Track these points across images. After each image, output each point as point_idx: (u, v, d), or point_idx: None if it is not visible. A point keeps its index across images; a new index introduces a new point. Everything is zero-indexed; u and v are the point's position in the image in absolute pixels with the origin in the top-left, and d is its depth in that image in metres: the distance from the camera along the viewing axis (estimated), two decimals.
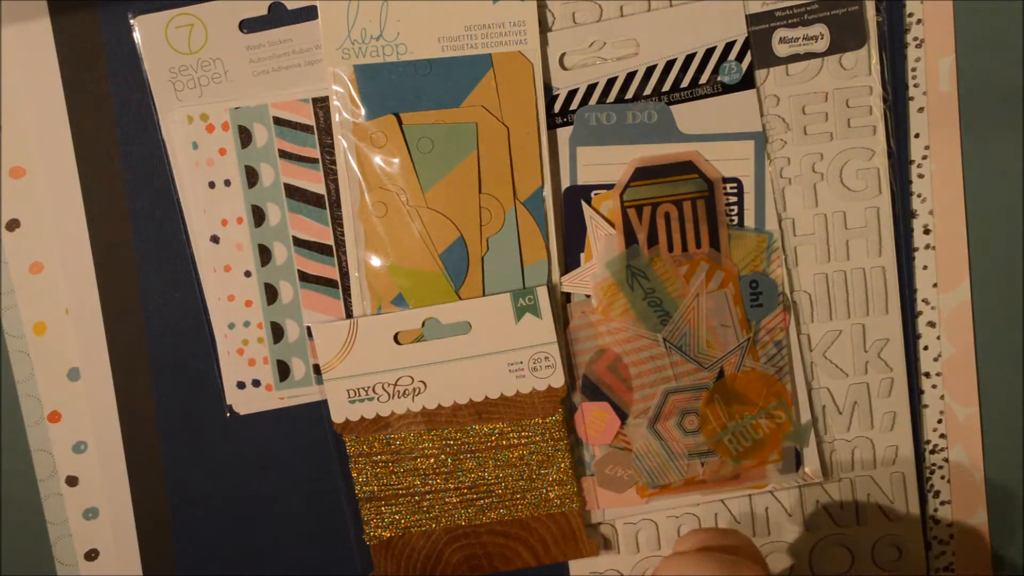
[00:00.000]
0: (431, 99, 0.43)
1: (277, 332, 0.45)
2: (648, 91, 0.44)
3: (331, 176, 0.44)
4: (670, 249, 0.45)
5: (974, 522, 0.48)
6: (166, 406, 0.45)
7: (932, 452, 0.48)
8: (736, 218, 0.45)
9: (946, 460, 0.48)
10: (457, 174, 0.44)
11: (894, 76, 0.45)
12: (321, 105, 0.44)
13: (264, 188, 0.44)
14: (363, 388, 0.44)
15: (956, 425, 0.48)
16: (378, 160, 0.43)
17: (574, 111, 0.44)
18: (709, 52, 0.44)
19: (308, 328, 0.45)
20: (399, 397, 0.44)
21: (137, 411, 0.45)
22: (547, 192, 0.44)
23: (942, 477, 0.48)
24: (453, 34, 0.43)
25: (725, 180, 0.45)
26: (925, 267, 0.47)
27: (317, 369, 0.45)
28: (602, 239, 0.45)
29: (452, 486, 0.45)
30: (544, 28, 0.44)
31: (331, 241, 0.44)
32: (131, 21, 0.43)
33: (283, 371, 0.45)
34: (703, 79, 0.44)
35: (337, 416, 0.45)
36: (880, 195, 0.46)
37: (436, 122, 0.43)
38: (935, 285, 0.47)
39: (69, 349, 0.45)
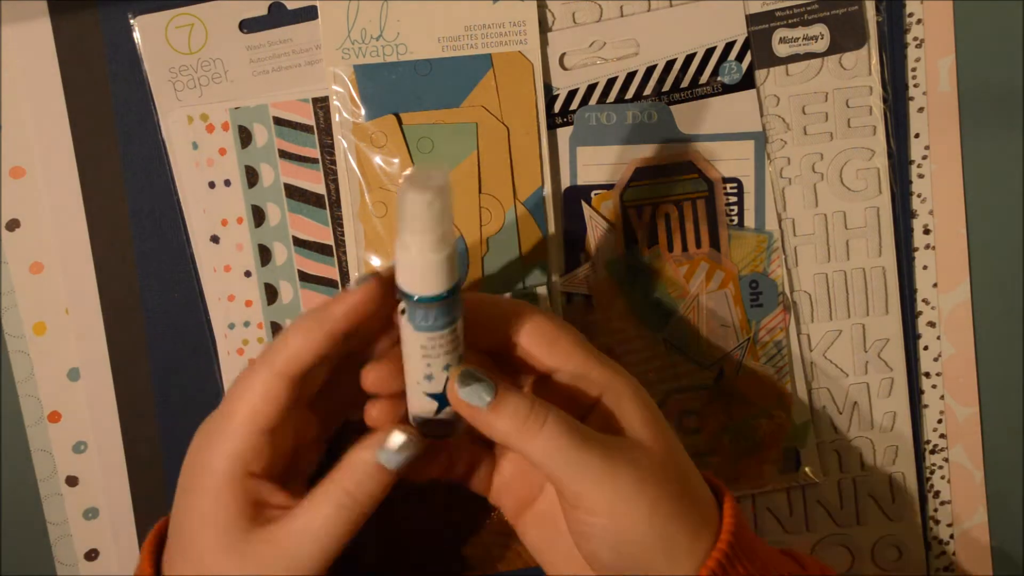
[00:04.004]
0: (431, 99, 0.43)
1: (277, 332, 0.45)
2: (648, 91, 0.44)
3: (331, 176, 0.44)
4: (670, 249, 0.45)
5: (974, 522, 0.48)
6: (166, 406, 0.45)
7: (932, 452, 0.48)
8: (736, 218, 0.45)
9: (946, 460, 0.48)
10: (457, 174, 0.44)
11: (894, 76, 0.45)
12: (321, 105, 0.44)
13: (264, 188, 0.44)
14: None
15: (956, 425, 0.48)
16: (378, 160, 0.43)
17: (574, 111, 0.44)
18: (709, 52, 0.44)
19: None
20: None
21: (137, 411, 0.45)
22: (547, 192, 0.44)
23: (942, 477, 0.48)
24: (453, 34, 0.43)
25: (725, 180, 0.45)
26: (925, 267, 0.47)
27: None
28: (602, 239, 0.45)
29: (452, 486, 0.45)
30: (544, 28, 0.44)
31: (331, 241, 0.44)
32: (131, 21, 0.43)
33: None
34: (703, 79, 0.44)
35: None
36: (880, 195, 0.46)
37: (436, 122, 0.43)
38: (935, 285, 0.47)
39: (69, 349, 0.45)
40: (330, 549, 0.33)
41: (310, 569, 0.33)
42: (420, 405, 0.35)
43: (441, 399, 0.34)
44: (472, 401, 0.33)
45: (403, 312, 0.32)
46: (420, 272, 0.31)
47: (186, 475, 0.36)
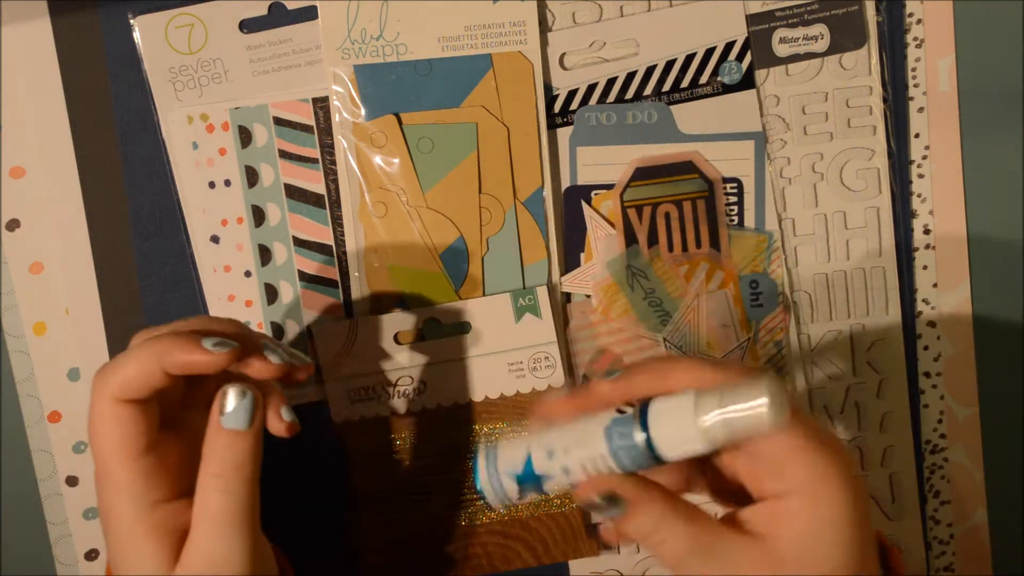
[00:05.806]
0: (431, 99, 0.43)
1: (277, 332, 0.45)
2: (648, 91, 0.44)
3: (331, 176, 0.44)
4: (670, 249, 0.45)
5: (974, 522, 0.48)
6: None
7: (932, 452, 0.48)
8: (736, 218, 0.45)
9: (946, 460, 0.48)
10: (457, 174, 0.44)
11: (894, 76, 0.45)
12: (321, 105, 0.44)
13: (264, 188, 0.44)
14: (363, 388, 0.44)
15: (956, 425, 0.48)
16: (378, 160, 0.43)
17: (574, 111, 0.44)
18: (709, 52, 0.44)
19: (308, 328, 0.45)
20: (399, 397, 0.44)
21: None
22: (547, 192, 0.44)
23: (942, 477, 0.48)
24: (453, 34, 0.43)
25: (725, 180, 0.45)
26: (925, 267, 0.47)
27: (317, 369, 0.45)
28: (602, 239, 0.45)
29: (452, 486, 0.45)
30: (544, 28, 0.44)
31: (331, 241, 0.44)
32: (131, 21, 0.43)
33: None
34: (703, 79, 0.44)
35: (337, 416, 0.45)
36: (880, 195, 0.46)
37: (436, 122, 0.43)
38: (935, 285, 0.47)
39: (69, 349, 0.45)
40: (245, 530, 0.34)
41: (241, 561, 0.34)
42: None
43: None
44: (600, 515, 0.35)
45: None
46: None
47: (102, 512, 0.35)
